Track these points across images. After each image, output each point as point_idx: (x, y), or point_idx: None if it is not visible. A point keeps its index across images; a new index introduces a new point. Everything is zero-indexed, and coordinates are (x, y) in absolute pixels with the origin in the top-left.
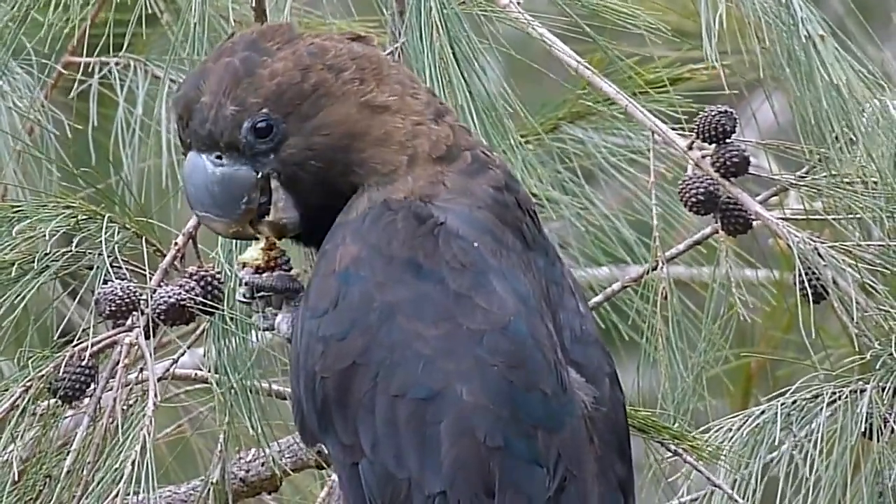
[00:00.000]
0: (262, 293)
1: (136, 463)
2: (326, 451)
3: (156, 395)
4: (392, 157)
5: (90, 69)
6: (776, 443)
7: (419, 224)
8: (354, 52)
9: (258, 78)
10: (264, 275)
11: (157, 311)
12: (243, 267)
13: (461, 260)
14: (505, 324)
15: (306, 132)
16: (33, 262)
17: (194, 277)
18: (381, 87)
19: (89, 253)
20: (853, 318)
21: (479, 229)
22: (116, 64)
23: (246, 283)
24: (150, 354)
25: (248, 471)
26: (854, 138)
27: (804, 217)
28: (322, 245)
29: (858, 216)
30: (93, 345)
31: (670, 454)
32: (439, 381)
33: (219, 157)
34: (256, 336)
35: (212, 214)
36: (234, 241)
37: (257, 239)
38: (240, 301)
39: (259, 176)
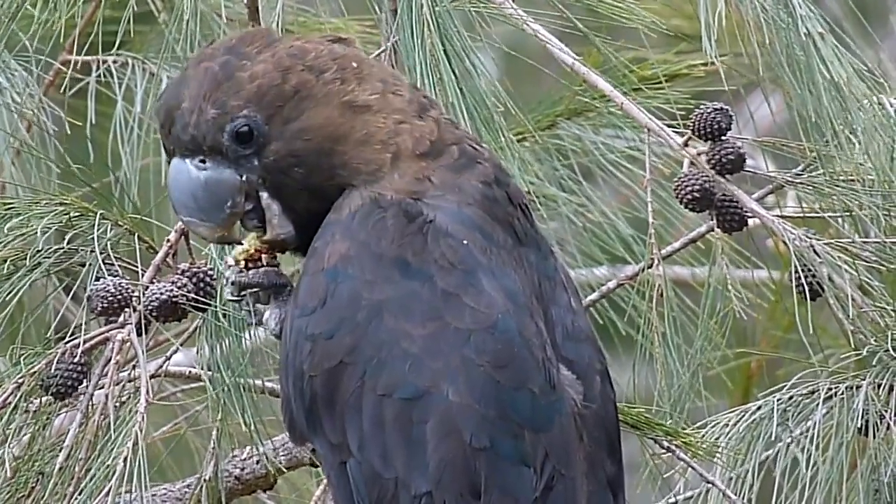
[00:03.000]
0: (249, 290)
1: (129, 460)
2: (315, 452)
3: (148, 392)
4: (374, 156)
5: (88, 67)
6: (773, 439)
7: (408, 222)
8: (335, 52)
9: (238, 81)
10: (250, 272)
11: (150, 307)
12: (229, 267)
13: (450, 258)
14: (493, 322)
15: (288, 136)
16: (26, 258)
17: (186, 274)
18: (362, 85)
19: (82, 250)
20: (849, 315)
21: (469, 226)
22: (114, 62)
23: (232, 283)
24: (143, 351)
25: (243, 469)
26: (852, 136)
27: (800, 215)
28: (312, 242)
29: (855, 213)
30: (85, 341)
31: (664, 451)
32: (426, 381)
33: (202, 162)
34: (249, 333)
35: (196, 219)
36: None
37: (241, 243)
38: (228, 300)
39: (243, 179)
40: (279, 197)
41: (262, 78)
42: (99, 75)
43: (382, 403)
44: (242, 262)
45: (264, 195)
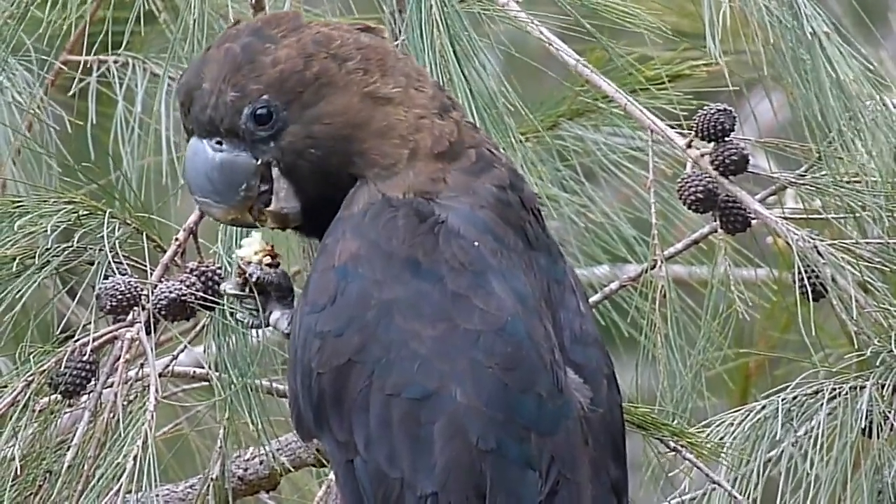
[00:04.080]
0: (256, 287)
1: (139, 458)
2: (322, 448)
3: (157, 391)
4: (392, 151)
5: (88, 67)
6: (777, 439)
7: (420, 222)
8: (361, 42)
9: (260, 64)
10: (269, 270)
11: (158, 306)
12: (249, 264)
13: (460, 259)
14: (502, 325)
15: (307, 121)
16: (34, 257)
17: (195, 273)
18: (385, 78)
19: (90, 248)
20: (852, 316)
21: (480, 229)
22: (115, 62)
23: (256, 278)
24: (152, 350)
25: (246, 469)
26: (857, 136)
27: (803, 216)
28: (322, 239)
29: (857, 214)
30: (94, 340)
31: (669, 450)
32: (434, 382)
33: (219, 143)
34: (256, 333)
35: (211, 200)
36: (233, 234)
37: (256, 227)
38: (229, 293)
39: (259, 163)
40: (291, 178)
41: (284, 63)
42: (100, 75)
43: (390, 403)
44: (266, 258)
45: (276, 171)
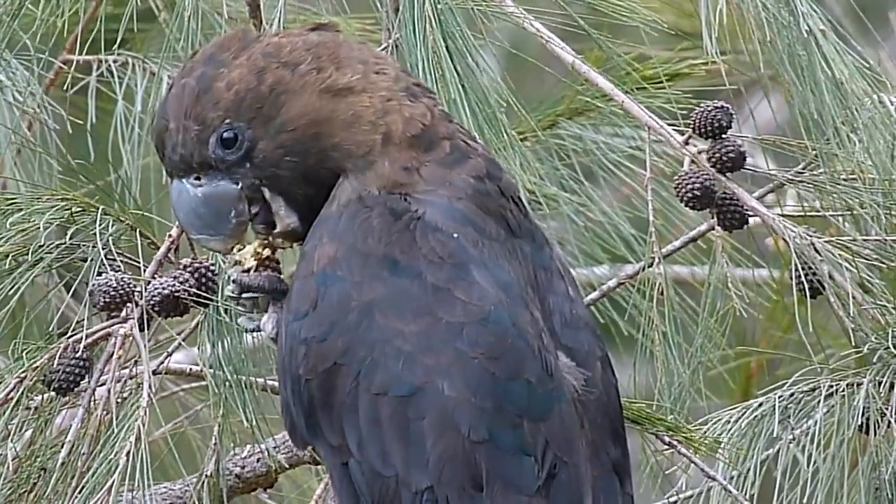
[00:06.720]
0: (249, 293)
1: (132, 454)
2: (317, 454)
3: (150, 387)
4: (364, 138)
5: (88, 66)
6: (774, 436)
7: (395, 220)
8: (310, 42)
9: (215, 91)
10: (253, 275)
11: (152, 302)
12: (235, 264)
13: (439, 253)
14: (485, 314)
15: (273, 133)
16: (27, 254)
17: (188, 269)
18: (340, 70)
19: (83, 245)
20: (849, 313)
21: (459, 221)
22: (114, 61)
23: (234, 281)
24: (145, 346)
25: (243, 467)
26: (853, 134)
27: (801, 214)
28: (303, 245)
29: (855, 212)
30: (87, 336)
31: (665, 445)
32: (420, 377)
33: (198, 179)
34: (253, 336)
35: (206, 235)
36: None
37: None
38: (228, 296)
39: (239, 187)
40: (279, 190)
41: (238, 84)
42: (100, 74)
43: (378, 402)
44: (251, 263)
45: (266, 190)
